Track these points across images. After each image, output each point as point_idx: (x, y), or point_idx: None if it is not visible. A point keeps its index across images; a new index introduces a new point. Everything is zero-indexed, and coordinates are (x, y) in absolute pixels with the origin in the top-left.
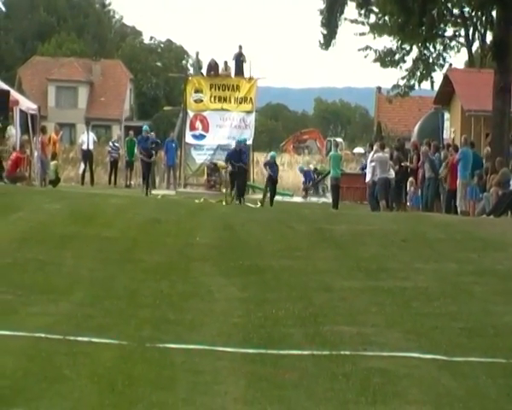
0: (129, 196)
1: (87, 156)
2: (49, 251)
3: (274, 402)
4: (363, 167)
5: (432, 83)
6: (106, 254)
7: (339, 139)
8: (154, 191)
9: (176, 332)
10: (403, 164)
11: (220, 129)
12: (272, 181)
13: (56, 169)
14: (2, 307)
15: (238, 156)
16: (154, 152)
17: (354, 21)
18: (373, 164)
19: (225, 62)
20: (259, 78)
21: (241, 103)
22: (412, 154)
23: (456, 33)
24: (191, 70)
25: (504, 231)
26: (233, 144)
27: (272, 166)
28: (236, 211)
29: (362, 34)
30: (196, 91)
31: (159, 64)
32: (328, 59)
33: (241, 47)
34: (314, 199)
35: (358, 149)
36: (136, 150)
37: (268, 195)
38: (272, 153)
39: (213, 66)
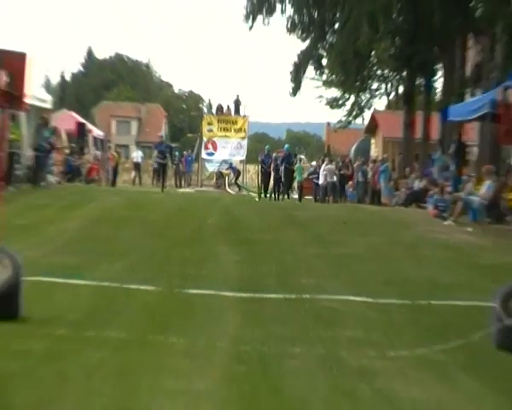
0: (164, 192)
1: (137, 167)
2: (111, 228)
3: (259, 327)
4: (310, 173)
5: (363, 119)
6: (149, 230)
7: (302, 156)
8: (179, 189)
9: (195, 282)
10: (342, 172)
11: (224, 149)
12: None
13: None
14: (80, 265)
15: (288, 159)
16: (168, 155)
17: (312, 79)
18: (324, 173)
19: (228, 106)
20: (250, 115)
21: (237, 132)
22: (350, 166)
23: (380, 87)
24: (205, 110)
25: (409, 215)
26: (233, 160)
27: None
28: (236, 202)
29: (317, 87)
30: (208, 124)
31: (184, 106)
32: (295, 102)
33: (238, 95)
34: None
35: (314, 163)
36: (154, 154)
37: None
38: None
39: (220, 108)
